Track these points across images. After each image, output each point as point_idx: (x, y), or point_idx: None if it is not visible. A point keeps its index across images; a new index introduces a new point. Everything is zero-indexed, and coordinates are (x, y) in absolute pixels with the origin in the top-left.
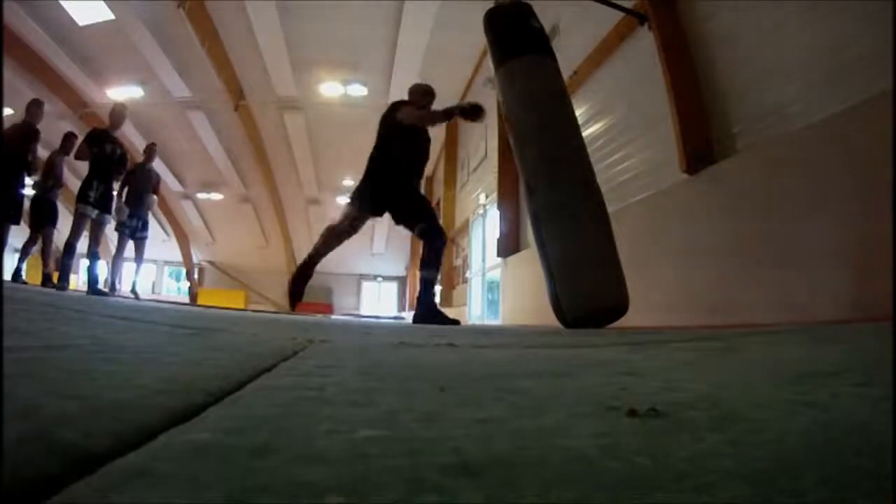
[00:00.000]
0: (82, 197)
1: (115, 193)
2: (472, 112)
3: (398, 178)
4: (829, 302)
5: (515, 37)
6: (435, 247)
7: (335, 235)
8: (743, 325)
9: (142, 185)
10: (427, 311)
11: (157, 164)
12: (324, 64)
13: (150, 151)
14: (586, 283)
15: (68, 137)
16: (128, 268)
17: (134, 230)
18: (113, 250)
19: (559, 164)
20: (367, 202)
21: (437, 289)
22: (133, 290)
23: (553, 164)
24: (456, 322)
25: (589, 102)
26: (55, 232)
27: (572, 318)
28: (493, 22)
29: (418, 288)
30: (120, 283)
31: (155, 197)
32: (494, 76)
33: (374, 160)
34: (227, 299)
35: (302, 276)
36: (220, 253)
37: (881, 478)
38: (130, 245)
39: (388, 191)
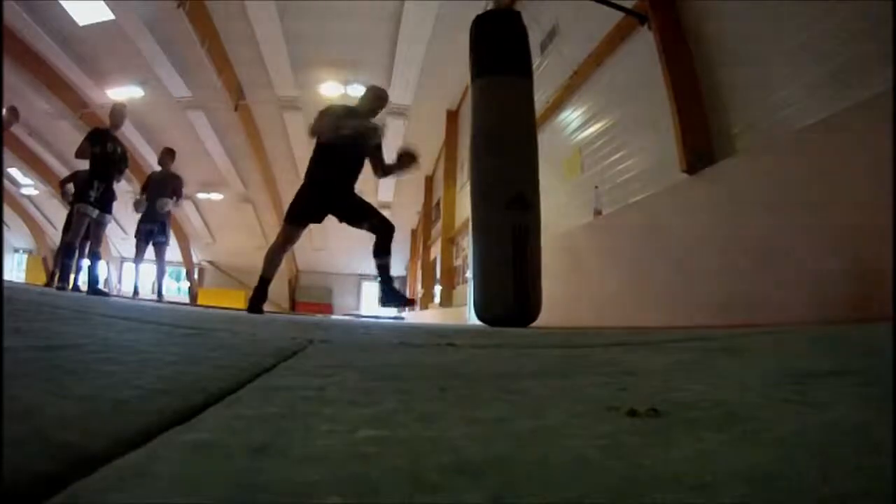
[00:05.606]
0: (83, 197)
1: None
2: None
3: (335, 184)
4: (829, 302)
5: (496, 52)
6: (389, 237)
7: (278, 253)
8: (743, 325)
9: (157, 191)
10: (393, 292)
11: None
12: (324, 64)
13: (163, 157)
14: (495, 290)
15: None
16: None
17: (150, 234)
18: (113, 251)
19: (501, 186)
20: (306, 213)
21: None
22: (158, 293)
23: (496, 184)
24: (412, 302)
25: (589, 102)
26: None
27: (481, 318)
28: (479, 30)
29: (379, 275)
30: (120, 283)
31: (168, 200)
32: (469, 84)
33: (310, 168)
34: (227, 299)
35: (259, 299)
36: (220, 253)
37: (881, 478)
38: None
39: (326, 197)
